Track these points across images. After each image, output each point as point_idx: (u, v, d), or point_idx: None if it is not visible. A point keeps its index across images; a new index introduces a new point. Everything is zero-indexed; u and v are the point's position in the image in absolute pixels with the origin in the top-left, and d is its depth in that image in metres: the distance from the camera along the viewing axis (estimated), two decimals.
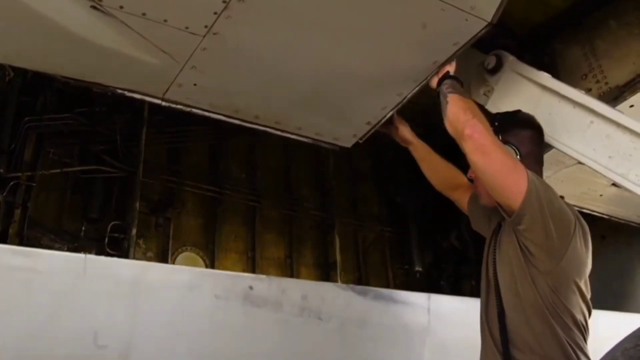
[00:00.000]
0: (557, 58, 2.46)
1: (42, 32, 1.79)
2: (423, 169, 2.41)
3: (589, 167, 2.19)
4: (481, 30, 1.92)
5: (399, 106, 2.21)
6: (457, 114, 1.90)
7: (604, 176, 2.17)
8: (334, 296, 2.32)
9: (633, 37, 2.30)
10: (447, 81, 2.04)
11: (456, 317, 2.34)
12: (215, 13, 1.77)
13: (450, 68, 2.10)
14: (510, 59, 2.32)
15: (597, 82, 2.36)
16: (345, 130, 2.35)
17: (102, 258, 1.96)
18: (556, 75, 2.30)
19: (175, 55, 1.91)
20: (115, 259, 1.99)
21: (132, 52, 1.88)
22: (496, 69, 2.33)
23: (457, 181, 2.33)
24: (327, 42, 1.95)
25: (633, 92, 2.31)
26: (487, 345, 1.94)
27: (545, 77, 2.23)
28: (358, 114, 2.27)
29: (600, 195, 3.02)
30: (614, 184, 2.33)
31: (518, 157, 1.92)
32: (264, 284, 2.20)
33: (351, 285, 2.38)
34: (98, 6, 1.72)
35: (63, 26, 1.76)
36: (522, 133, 1.97)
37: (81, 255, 1.91)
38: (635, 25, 2.29)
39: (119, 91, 2.04)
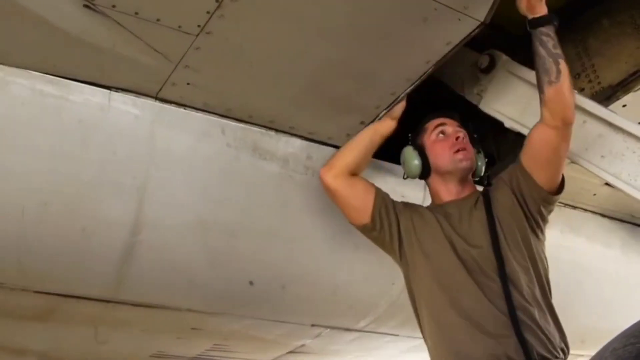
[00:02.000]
0: None
1: (34, 31, 1.79)
2: (360, 140, 2.27)
3: (582, 167, 2.19)
4: (474, 30, 1.93)
5: (393, 105, 2.21)
6: (570, 87, 1.94)
7: (597, 176, 2.18)
8: None
9: (625, 35, 2.30)
10: (551, 29, 1.95)
11: None
12: (208, 12, 1.77)
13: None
14: (503, 59, 2.33)
15: (590, 81, 2.36)
16: (338, 129, 2.35)
17: (125, 95, 2.07)
18: None
19: (169, 54, 1.91)
20: (136, 97, 2.08)
21: (125, 52, 1.88)
22: (489, 69, 2.34)
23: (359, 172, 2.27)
24: (320, 41, 1.95)
25: (626, 92, 2.31)
26: (467, 333, 1.92)
27: None
28: (351, 113, 2.27)
29: (594, 194, 3.03)
30: (607, 184, 2.34)
31: None
32: (272, 139, 2.29)
33: None
34: (91, 5, 1.72)
35: (55, 25, 1.76)
36: None
37: (106, 91, 2.03)
38: (628, 23, 2.29)
39: (113, 91, 2.04)
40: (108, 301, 2.40)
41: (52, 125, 1.96)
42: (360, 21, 1.88)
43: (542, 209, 2.03)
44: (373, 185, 2.24)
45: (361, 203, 2.18)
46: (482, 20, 1.89)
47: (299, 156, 2.35)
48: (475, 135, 2.23)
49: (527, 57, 2.10)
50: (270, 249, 2.39)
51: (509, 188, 2.04)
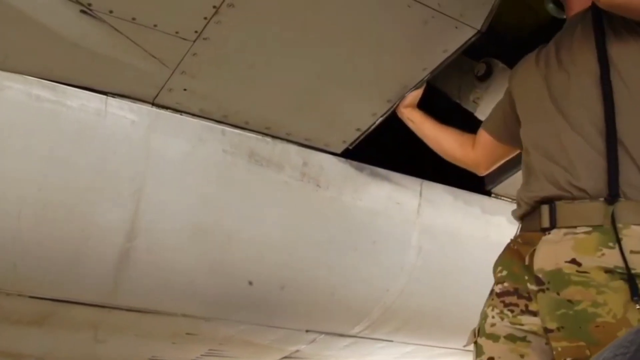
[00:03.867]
0: None
1: (30, 36, 1.79)
2: (428, 140, 2.18)
3: None
4: (471, 38, 1.94)
5: (389, 112, 2.22)
6: None
7: None
8: (333, 167, 2.43)
9: None
10: None
11: (444, 204, 2.57)
12: (205, 18, 1.78)
13: None
14: (500, 66, 2.33)
15: None
16: (335, 136, 2.35)
17: (120, 100, 2.07)
18: None
19: (166, 60, 1.91)
20: (132, 102, 2.09)
21: (122, 57, 1.88)
22: (486, 76, 2.34)
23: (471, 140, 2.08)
24: (317, 47, 1.96)
25: None
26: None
27: None
28: (348, 120, 2.27)
29: None
30: None
31: None
32: (269, 146, 2.30)
33: (349, 160, 2.47)
34: (88, 11, 1.72)
35: (52, 30, 1.76)
36: None
37: (102, 96, 2.04)
38: None
39: (109, 96, 2.04)
40: (103, 306, 2.40)
41: (48, 130, 1.96)
42: (357, 28, 1.89)
43: None
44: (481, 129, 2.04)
45: (496, 147, 2.02)
46: (478, 28, 1.90)
47: (295, 162, 2.35)
48: None
49: None
50: (267, 255, 2.39)
51: None
